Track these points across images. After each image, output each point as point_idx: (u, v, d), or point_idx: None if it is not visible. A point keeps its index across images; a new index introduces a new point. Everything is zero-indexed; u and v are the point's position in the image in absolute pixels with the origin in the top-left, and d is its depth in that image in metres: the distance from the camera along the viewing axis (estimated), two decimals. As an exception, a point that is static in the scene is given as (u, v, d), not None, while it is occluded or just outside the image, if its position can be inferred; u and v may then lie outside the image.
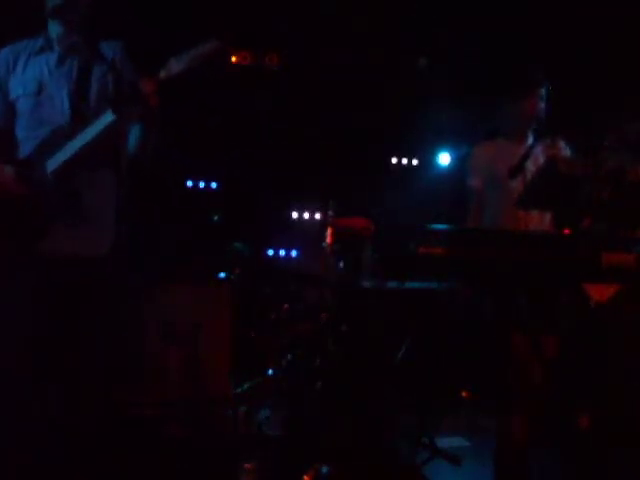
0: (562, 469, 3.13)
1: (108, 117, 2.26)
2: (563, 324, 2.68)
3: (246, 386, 3.89)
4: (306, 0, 5.13)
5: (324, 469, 2.98)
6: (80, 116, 2.36)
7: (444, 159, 6.15)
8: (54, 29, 2.45)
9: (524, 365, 2.71)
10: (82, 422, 2.34)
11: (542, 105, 2.98)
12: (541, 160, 2.91)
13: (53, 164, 2.31)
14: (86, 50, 2.43)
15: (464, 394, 4.31)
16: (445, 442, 3.55)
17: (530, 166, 2.82)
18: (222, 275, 4.39)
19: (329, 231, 3.79)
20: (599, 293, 2.40)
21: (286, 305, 4.01)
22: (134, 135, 2.46)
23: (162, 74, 2.26)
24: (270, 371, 3.85)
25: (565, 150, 3.01)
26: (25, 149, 2.40)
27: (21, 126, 2.43)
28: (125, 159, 2.49)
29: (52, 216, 2.32)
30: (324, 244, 3.82)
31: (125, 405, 3.56)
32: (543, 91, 2.98)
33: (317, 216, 6.00)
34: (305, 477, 2.94)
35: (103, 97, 2.40)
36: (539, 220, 2.92)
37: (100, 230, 2.41)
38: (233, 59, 5.61)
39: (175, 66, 2.25)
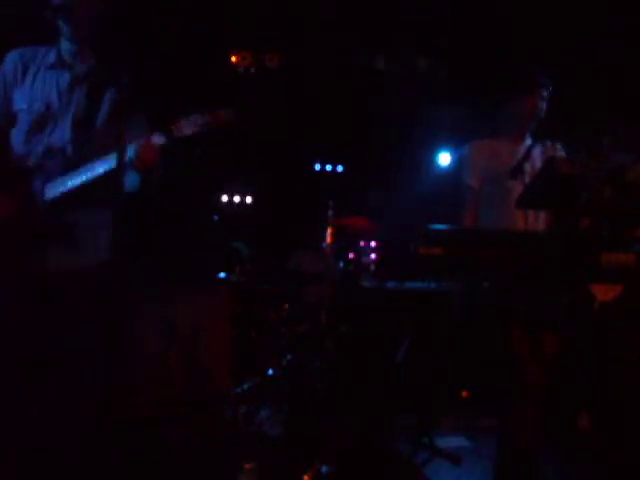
0: (562, 469, 3.13)
1: (105, 165, 2.26)
2: (563, 324, 2.68)
3: (246, 386, 3.89)
4: (306, 0, 5.12)
5: (324, 469, 2.98)
6: (81, 143, 2.36)
7: (444, 159, 6.14)
8: (66, 47, 2.43)
9: (524, 365, 2.71)
10: (82, 423, 2.34)
11: (542, 105, 2.98)
12: (539, 162, 2.91)
13: (52, 193, 2.31)
14: (100, 75, 2.41)
15: (464, 394, 4.30)
16: (445, 442, 3.55)
17: (529, 167, 2.82)
18: (222, 275, 4.39)
19: (329, 231, 3.79)
20: (603, 293, 2.40)
21: (286, 305, 4.01)
22: (131, 176, 2.42)
23: (174, 132, 2.29)
24: (270, 371, 3.85)
25: (561, 152, 3.01)
26: (21, 163, 2.38)
27: (19, 139, 2.40)
28: (123, 194, 2.48)
29: (46, 237, 2.32)
30: (324, 244, 3.82)
31: (125, 405, 3.56)
32: (544, 91, 2.98)
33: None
34: (305, 477, 2.94)
35: (110, 125, 2.39)
36: (534, 219, 2.92)
37: (94, 246, 2.40)
38: (233, 59, 5.60)
39: (186, 128, 2.29)
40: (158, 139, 2.30)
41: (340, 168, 6.08)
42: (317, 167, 6.05)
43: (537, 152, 2.96)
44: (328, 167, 6.06)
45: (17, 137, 2.40)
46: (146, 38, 3.89)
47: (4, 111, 2.42)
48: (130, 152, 2.25)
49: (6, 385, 2.29)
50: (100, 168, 2.28)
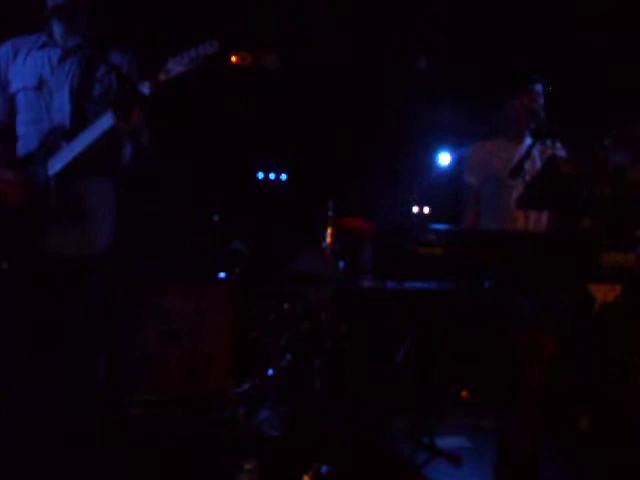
0: (562, 469, 3.13)
1: (108, 121, 2.25)
2: (563, 324, 2.68)
3: (246, 386, 3.89)
4: (306, 0, 5.12)
5: (324, 469, 2.98)
6: (81, 116, 2.35)
7: (444, 159, 6.14)
8: (57, 29, 2.44)
9: (524, 365, 2.71)
10: (81, 422, 2.34)
11: (541, 105, 2.99)
12: (538, 161, 2.92)
13: (54, 166, 2.31)
14: (89, 51, 2.42)
15: (464, 394, 4.30)
16: (445, 442, 3.55)
17: (529, 167, 2.83)
18: (222, 275, 4.39)
19: (329, 231, 3.79)
20: (603, 294, 2.40)
21: (286, 305, 4.01)
22: (129, 148, 2.46)
23: (161, 76, 2.24)
24: (270, 371, 3.85)
25: (561, 152, 3.01)
26: (25, 145, 2.40)
27: (21, 121, 2.42)
28: (123, 163, 2.49)
29: (51, 217, 2.32)
30: (324, 244, 3.82)
31: (125, 404, 3.56)
32: (541, 89, 2.99)
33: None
34: (305, 477, 2.94)
35: (105, 98, 2.39)
36: (536, 219, 2.93)
37: (97, 230, 2.41)
38: (233, 59, 5.60)
39: (174, 67, 2.24)
40: (145, 89, 2.26)
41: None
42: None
43: (536, 151, 2.96)
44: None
45: (20, 118, 2.43)
46: (147, 40, 3.89)
47: (3, 97, 2.45)
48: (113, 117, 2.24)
49: (5, 381, 2.29)
50: (92, 134, 2.27)
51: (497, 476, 2.80)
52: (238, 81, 5.61)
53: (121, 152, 2.45)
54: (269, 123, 5.75)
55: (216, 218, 5.31)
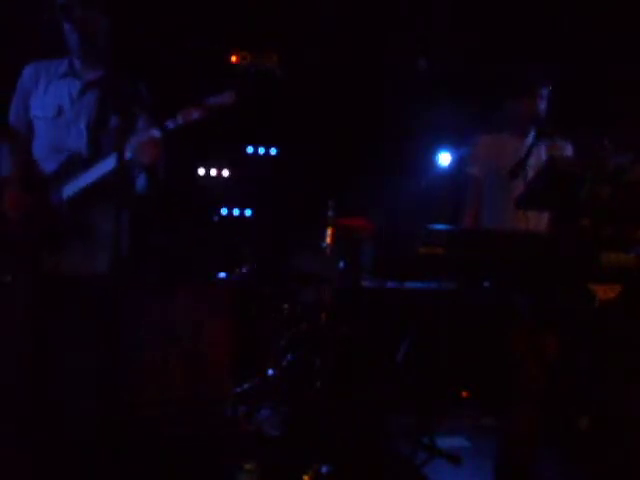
0: (562, 469, 3.13)
1: (112, 162, 2.30)
2: (563, 324, 2.68)
3: (246, 386, 3.89)
4: (306, 0, 5.12)
5: (324, 469, 2.98)
6: (97, 145, 2.44)
7: (444, 159, 6.14)
8: (76, 63, 2.51)
9: (524, 365, 2.71)
10: (82, 423, 2.34)
11: (543, 105, 2.98)
12: (544, 159, 2.91)
13: (68, 191, 2.40)
14: (107, 84, 2.49)
15: (464, 394, 4.30)
16: (445, 442, 3.54)
17: (532, 165, 2.82)
18: (222, 275, 4.39)
19: (329, 231, 3.79)
20: (603, 292, 2.40)
21: (286, 305, 4.01)
22: (142, 178, 2.52)
23: (180, 120, 2.34)
24: (270, 371, 3.85)
25: (566, 149, 3.01)
26: (42, 168, 2.47)
27: (38, 145, 2.50)
28: (137, 193, 2.54)
29: (63, 238, 2.39)
30: (324, 244, 3.82)
31: (125, 405, 3.55)
32: (544, 91, 2.98)
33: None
34: (305, 477, 2.94)
35: (121, 129, 2.45)
36: (537, 217, 2.92)
37: (103, 249, 2.43)
38: (233, 59, 5.60)
39: (194, 114, 2.35)
40: (157, 132, 2.34)
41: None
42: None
43: (542, 150, 2.96)
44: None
45: (37, 142, 2.51)
46: (148, 40, 3.90)
47: (25, 117, 2.53)
48: (131, 150, 2.32)
49: (9, 384, 2.30)
50: (108, 165, 2.34)
51: (497, 476, 2.80)
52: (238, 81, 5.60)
53: (134, 184, 2.52)
54: (269, 123, 5.75)
55: (216, 218, 5.32)
